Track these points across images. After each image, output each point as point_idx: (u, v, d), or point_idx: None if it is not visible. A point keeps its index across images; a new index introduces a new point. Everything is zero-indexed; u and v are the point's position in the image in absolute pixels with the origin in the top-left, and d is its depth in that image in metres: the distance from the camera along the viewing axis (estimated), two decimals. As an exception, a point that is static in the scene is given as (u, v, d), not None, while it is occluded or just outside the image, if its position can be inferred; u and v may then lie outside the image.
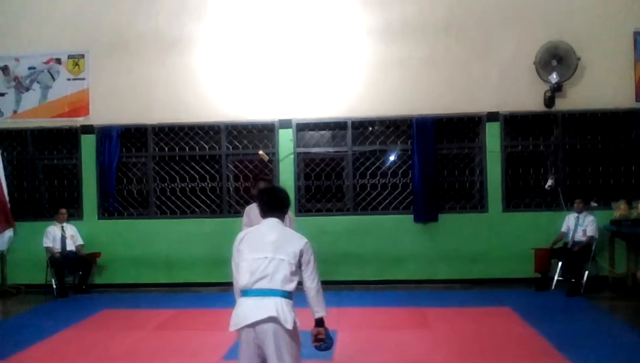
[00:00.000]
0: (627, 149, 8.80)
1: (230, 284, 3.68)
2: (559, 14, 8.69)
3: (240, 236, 3.58)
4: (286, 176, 8.96)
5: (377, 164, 9.06)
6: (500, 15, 8.79)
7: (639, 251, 8.42)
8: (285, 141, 9.03)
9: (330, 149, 9.20)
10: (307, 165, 9.18)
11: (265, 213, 3.63)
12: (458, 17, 8.85)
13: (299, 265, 3.44)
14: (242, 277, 3.39)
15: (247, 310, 3.30)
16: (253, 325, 3.26)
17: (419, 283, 8.78)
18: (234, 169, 9.26)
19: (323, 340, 3.54)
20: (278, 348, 3.25)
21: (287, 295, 3.34)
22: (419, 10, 8.87)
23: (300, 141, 9.15)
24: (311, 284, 3.47)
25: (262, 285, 3.33)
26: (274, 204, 3.64)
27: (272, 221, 3.58)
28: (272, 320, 3.24)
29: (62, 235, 8.82)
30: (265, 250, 3.40)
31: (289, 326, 3.25)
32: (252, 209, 5.92)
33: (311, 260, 3.47)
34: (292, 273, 3.38)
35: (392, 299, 7.95)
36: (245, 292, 3.37)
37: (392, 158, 9.18)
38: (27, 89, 9.38)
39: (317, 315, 3.49)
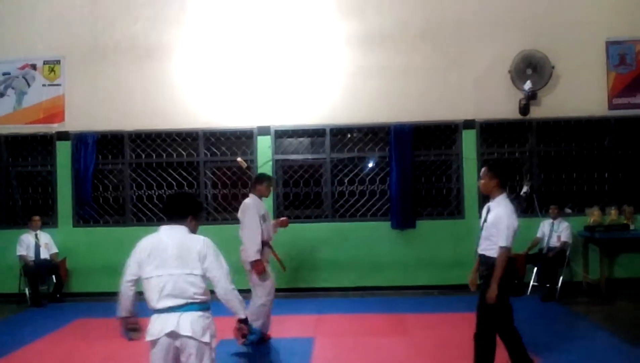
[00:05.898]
0: (600, 156, 8.95)
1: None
2: (533, 24, 8.84)
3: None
4: (264, 183, 8.96)
5: (355, 171, 9.09)
6: (476, 24, 8.91)
7: (612, 256, 8.59)
8: (264, 148, 9.03)
9: (309, 156, 9.20)
10: (286, 172, 9.18)
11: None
12: (435, 26, 8.95)
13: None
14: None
15: None
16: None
17: (398, 289, 8.81)
18: (212, 176, 9.21)
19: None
20: None
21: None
22: (397, 20, 8.96)
23: (279, 148, 9.15)
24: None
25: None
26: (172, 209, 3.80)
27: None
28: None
29: (36, 242, 8.68)
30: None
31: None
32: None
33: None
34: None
35: (370, 306, 7.96)
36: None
37: (370, 164, 9.22)
38: (2, 95, 9.23)
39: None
